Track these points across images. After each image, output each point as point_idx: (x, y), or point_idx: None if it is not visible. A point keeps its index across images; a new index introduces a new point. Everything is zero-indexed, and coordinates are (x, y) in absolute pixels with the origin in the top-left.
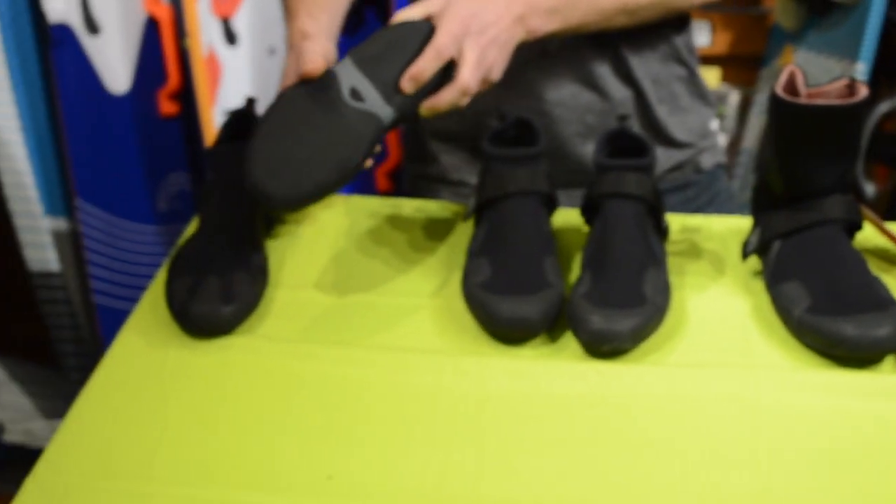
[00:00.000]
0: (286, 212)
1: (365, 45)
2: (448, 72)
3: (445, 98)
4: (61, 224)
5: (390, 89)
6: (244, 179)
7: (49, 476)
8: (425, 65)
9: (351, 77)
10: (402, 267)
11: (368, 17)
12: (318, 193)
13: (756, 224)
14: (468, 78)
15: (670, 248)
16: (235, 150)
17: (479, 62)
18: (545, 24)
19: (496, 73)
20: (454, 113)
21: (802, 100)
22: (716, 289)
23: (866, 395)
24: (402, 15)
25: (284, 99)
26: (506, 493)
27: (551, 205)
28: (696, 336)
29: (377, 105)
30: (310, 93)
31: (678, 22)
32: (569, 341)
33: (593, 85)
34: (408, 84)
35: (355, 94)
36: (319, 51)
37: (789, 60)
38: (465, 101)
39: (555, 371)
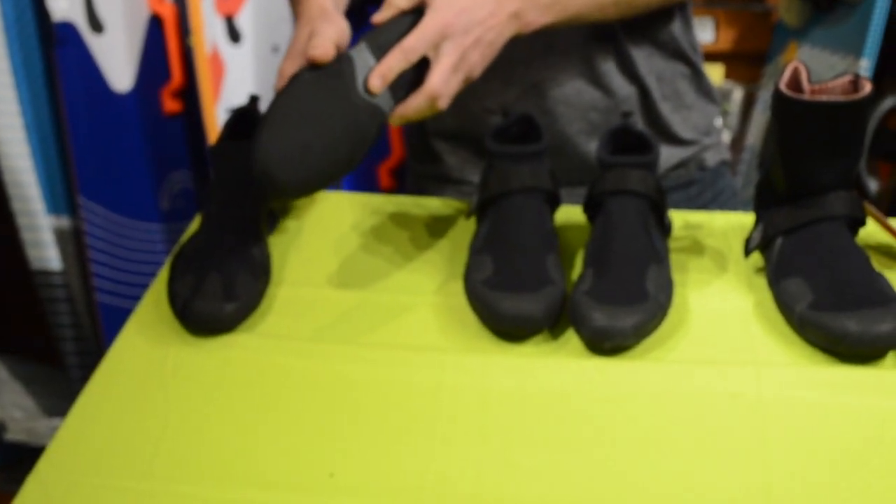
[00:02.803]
0: (287, 199)
1: (381, 32)
2: (423, 73)
3: (413, 105)
4: (64, 222)
5: (396, 84)
6: (251, 161)
7: (51, 474)
8: (391, 63)
9: (366, 66)
10: (404, 264)
11: (370, 13)
12: (321, 185)
13: (759, 220)
14: (437, 84)
15: (673, 244)
16: (238, 147)
17: (457, 66)
18: (540, 18)
19: (477, 72)
20: (458, 111)
21: (806, 96)
22: (718, 285)
23: (869, 391)
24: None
25: (299, 83)
26: (507, 490)
27: (554, 202)
28: (699, 333)
29: (385, 100)
30: (325, 79)
31: (679, 17)
32: (571, 338)
33: (598, 82)
34: (376, 81)
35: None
36: (333, 35)
37: (793, 57)
38: (440, 105)
39: (557, 368)
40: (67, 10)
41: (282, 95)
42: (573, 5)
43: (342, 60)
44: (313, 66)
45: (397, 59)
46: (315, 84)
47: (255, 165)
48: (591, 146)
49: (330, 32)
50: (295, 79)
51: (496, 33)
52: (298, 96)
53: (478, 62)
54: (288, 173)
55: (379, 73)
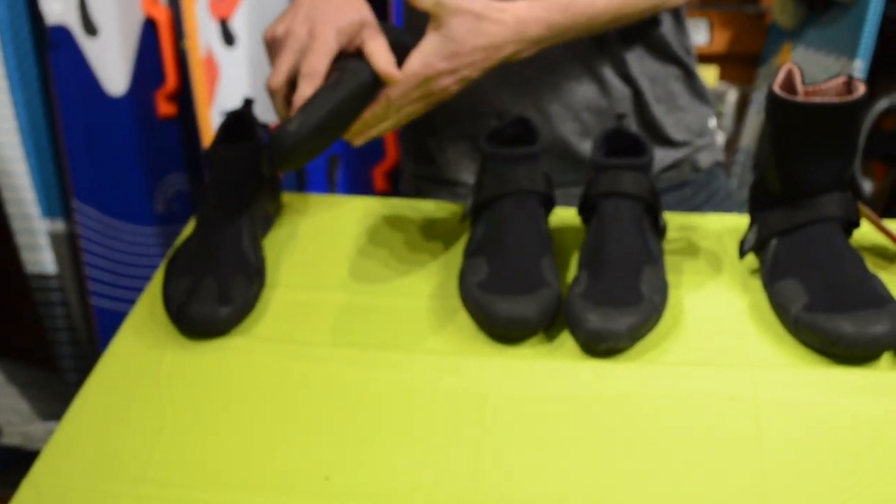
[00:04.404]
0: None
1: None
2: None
3: (371, 112)
4: (58, 226)
5: None
6: (277, 132)
7: (46, 478)
8: (376, 111)
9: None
10: (399, 267)
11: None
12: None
13: (753, 222)
14: (394, 94)
15: (667, 246)
16: (233, 150)
17: (430, 93)
18: (532, 49)
19: (448, 97)
20: (454, 111)
21: (800, 97)
22: (713, 287)
23: (864, 392)
24: None
25: (364, 82)
26: (503, 492)
27: (549, 204)
28: (693, 334)
29: None
30: (361, 97)
31: (671, 20)
32: (566, 340)
33: (592, 83)
34: (358, 138)
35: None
36: (389, 51)
37: (788, 59)
38: (391, 111)
39: (552, 370)
40: (61, 14)
41: (334, 92)
42: (569, 35)
43: (380, 85)
44: (360, 72)
45: (383, 108)
46: (355, 101)
47: (277, 139)
48: (584, 146)
49: (389, 51)
50: (351, 80)
51: (481, 71)
52: (355, 93)
53: (455, 91)
54: (293, 160)
55: (365, 124)
